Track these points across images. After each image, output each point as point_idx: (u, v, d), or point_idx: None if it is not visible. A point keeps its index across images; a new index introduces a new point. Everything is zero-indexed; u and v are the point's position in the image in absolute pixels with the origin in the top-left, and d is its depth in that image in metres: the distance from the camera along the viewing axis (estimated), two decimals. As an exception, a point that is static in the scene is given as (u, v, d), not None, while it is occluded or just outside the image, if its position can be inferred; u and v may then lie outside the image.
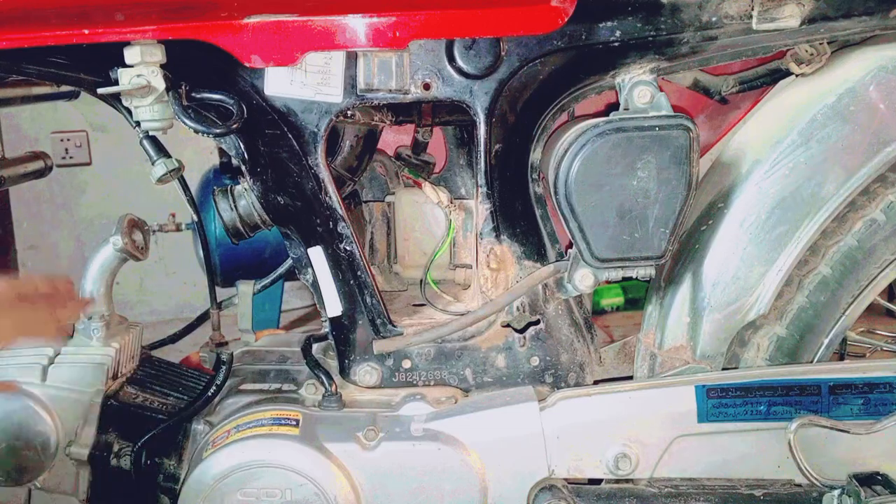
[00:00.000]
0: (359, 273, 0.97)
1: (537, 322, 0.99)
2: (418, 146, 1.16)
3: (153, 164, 0.94)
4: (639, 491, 0.92)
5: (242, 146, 0.94)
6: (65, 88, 1.24)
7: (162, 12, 0.83)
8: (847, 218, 0.96)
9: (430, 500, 0.91)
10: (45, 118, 2.87)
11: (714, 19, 0.89)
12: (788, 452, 0.86)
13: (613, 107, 0.93)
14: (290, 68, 0.89)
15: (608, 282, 0.94)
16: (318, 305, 1.00)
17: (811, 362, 0.99)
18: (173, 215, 1.98)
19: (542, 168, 0.99)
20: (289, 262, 1.09)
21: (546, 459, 0.92)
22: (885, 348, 1.29)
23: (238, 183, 1.00)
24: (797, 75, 0.98)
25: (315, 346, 1.05)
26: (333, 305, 0.98)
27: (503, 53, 0.90)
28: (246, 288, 1.14)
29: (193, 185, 1.36)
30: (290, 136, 0.92)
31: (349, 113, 0.94)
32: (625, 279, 0.94)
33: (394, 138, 1.19)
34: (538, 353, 1.00)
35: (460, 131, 1.17)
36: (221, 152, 1.07)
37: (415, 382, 1.00)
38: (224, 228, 1.00)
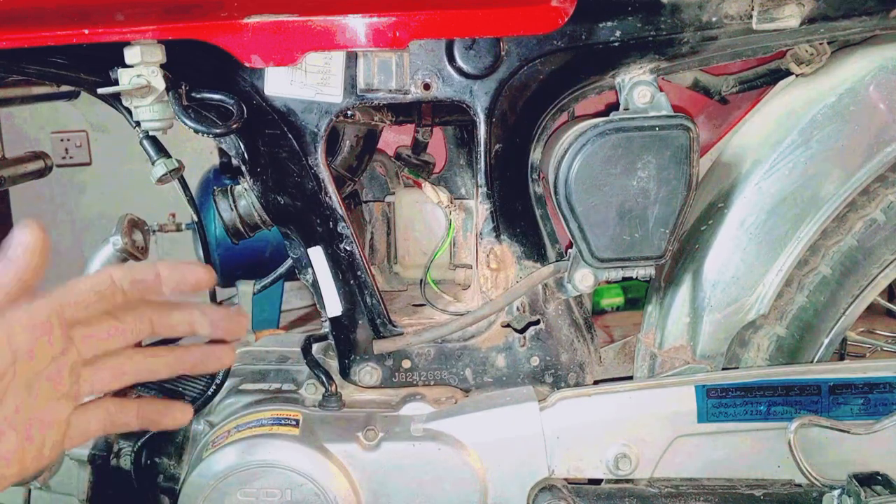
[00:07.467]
0: (359, 273, 0.97)
1: (537, 322, 0.99)
2: (418, 146, 1.16)
3: (153, 164, 0.94)
4: (639, 491, 0.92)
5: (242, 146, 0.94)
6: (65, 88, 1.23)
7: (162, 12, 0.83)
8: (847, 218, 0.96)
9: (430, 499, 0.91)
10: (45, 118, 2.86)
11: (714, 19, 0.89)
12: (788, 452, 0.86)
13: (613, 107, 0.93)
14: (290, 68, 0.89)
15: (608, 282, 0.94)
16: (318, 305, 1.00)
17: (811, 362, 0.99)
18: (173, 215, 1.98)
19: (542, 168, 0.99)
20: (289, 262, 1.09)
21: (546, 459, 0.92)
22: (885, 348, 1.30)
23: (238, 183, 1.00)
24: (797, 75, 0.98)
25: (315, 346, 1.05)
26: (333, 305, 0.98)
27: (503, 53, 0.90)
28: (246, 288, 1.14)
29: (193, 185, 1.36)
30: (290, 136, 0.92)
31: (349, 113, 0.94)
32: (625, 279, 0.94)
33: (394, 138, 1.19)
34: (538, 353, 1.00)
35: (460, 131, 1.17)
36: (221, 152, 1.06)
37: (415, 382, 1.00)
38: (224, 228, 1.00)
